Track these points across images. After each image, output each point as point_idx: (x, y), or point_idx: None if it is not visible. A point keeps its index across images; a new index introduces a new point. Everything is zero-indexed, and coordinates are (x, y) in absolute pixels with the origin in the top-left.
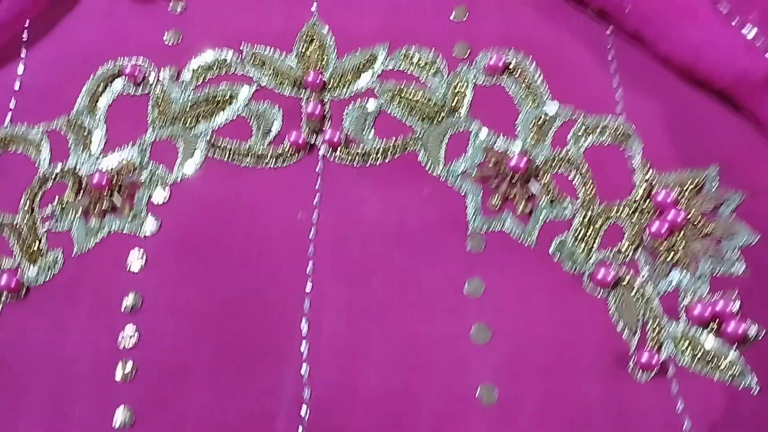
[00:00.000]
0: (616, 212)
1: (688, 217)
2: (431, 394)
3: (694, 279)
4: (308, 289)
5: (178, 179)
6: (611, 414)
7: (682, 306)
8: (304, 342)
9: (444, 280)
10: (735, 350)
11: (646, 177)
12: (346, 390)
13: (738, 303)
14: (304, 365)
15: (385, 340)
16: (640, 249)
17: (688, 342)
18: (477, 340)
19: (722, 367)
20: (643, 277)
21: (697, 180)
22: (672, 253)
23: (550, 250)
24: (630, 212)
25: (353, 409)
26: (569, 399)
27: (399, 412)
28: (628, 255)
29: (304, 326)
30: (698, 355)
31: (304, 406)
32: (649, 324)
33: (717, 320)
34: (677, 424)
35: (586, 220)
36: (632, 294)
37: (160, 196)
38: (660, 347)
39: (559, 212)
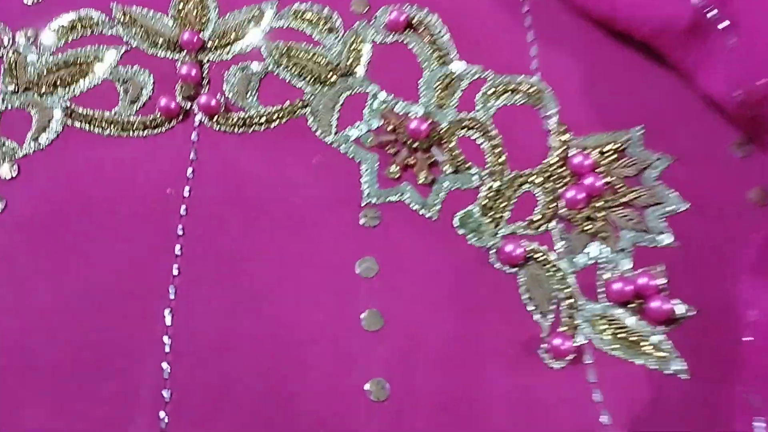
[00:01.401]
0: (529, 180)
1: (609, 182)
2: (313, 392)
3: (614, 252)
4: (175, 272)
5: (30, 152)
6: (519, 407)
7: (601, 283)
8: (166, 336)
9: (332, 261)
10: (660, 332)
11: (563, 140)
12: (214, 391)
13: (664, 279)
14: (165, 363)
15: (262, 332)
16: (554, 220)
17: (607, 323)
18: (368, 327)
19: (646, 350)
20: (557, 251)
21: (618, 142)
22: (590, 223)
23: (454, 224)
24: (544, 179)
25: (222, 413)
26: (471, 392)
27: (276, 413)
28: (540, 227)
29: (167, 317)
30: (619, 338)
31: (163, 412)
32: (564, 304)
33: (640, 298)
34: (593, 417)
35: (495, 189)
36: (545, 270)
37: (5, 172)
38: (575, 330)
39: (464, 181)
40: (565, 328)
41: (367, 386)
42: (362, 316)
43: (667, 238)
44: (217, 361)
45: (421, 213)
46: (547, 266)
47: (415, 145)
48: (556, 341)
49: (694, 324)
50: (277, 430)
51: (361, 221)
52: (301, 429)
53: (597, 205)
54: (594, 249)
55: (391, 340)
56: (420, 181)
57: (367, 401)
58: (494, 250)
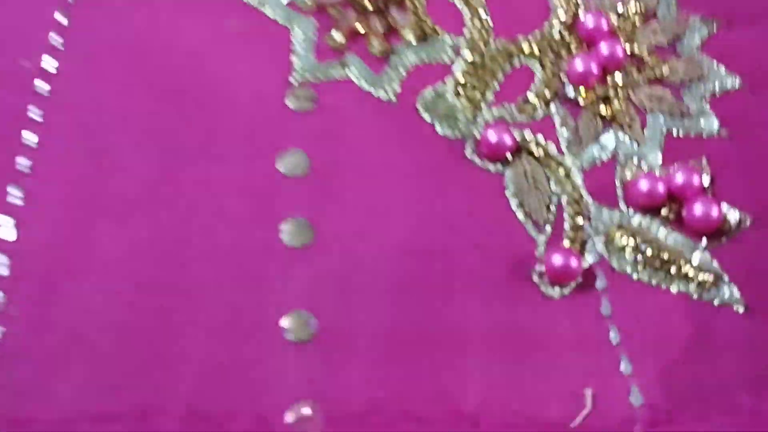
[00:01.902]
0: (521, 50)
1: (632, 53)
2: (210, 328)
3: (637, 144)
4: (24, 169)
5: None
6: (502, 350)
7: (619, 184)
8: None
9: (247, 153)
10: (704, 249)
11: None
12: (51, 327)
13: (708, 177)
14: None
15: (121, 251)
16: (555, 101)
17: (628, 236)
18: (289, 241)
19: (684, 273)
20: (561, 143)
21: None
22: (605, 106)
23: (418, 107)
24: (542, 49)
25: (59, 355)
26: (432, 329)
27: (135, 355)
28: (537, 111)
29: (7, 230)
30: (646, 257)
31: None
32: (568, 211)
33: (675, 203)
34: (608, 364)
35: (474, 63)
36: (542, 167)
37: None
38: (583, 246)
39: (432, 53)
40: (568, 244)
41: (284, 322)
42: (282, 226)
43: (711, 124)
44: (59, 287)
45: (373, 94)
46: (546, 162)
47: (366, 5)
48: (556, 260)
49: (749, 238)
50: (161, 378)
51: (291, 105)
52: (182, 384)
53: (615, 81)
54: (610, 139)
55: (321, 261)
56: (372, 52)
57: (283, 342)
58: (472, 141)
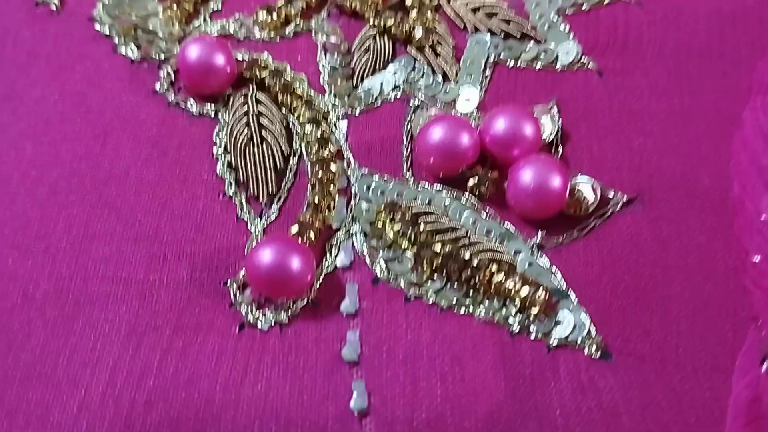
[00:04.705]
0: None
1: None
2: None
3: (443, 78)
4: None
5: None
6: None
7: (406, 141)
8: None
9: None
10: (538, 246)
11: None
12: None
13: (553, 127)
14: None
15: None
16: (320, 13)
17: (406, 226)
18: None
19: (500, 288)
20: (322, 74)
21: None
22: (398, 20)
23: (95, 15)
24: None
25: None
26: None
27: None
28: (288, 26)
29: None
30: (433, 261)
31: None
32: (311, 180)
33: (493, 170)
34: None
35: None
36: (278, 110)
37: None
38: (327, 239)
39: None
40: (296, 232)
41: None
42: None
43: (568, 50)
44: None
45: None
46: (287, 101)
47: None
48: (264, 258)
49: (618, 228)
50: None
51: None
52: None
53: None
54: (401, 69)
55: None
56: None
57: None
58: (172, 68)
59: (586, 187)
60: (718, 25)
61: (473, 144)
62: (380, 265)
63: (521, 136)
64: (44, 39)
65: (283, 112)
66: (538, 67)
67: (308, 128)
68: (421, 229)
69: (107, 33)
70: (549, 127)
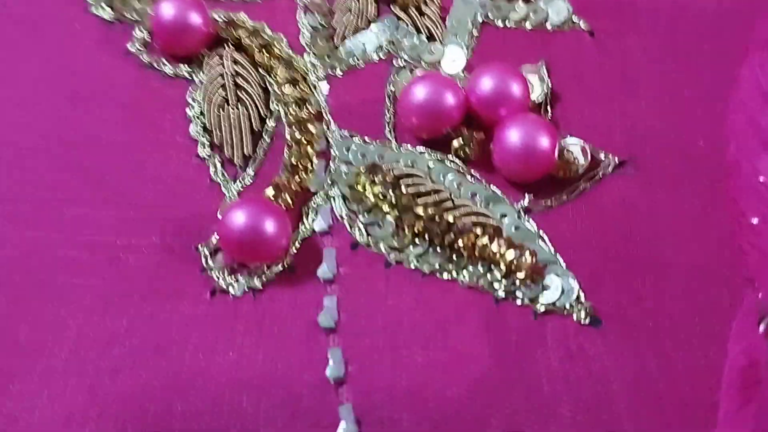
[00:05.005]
0: None
1: None
2: None
3: (428, 38)
4: None
5: None
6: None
7: (390, 102)
8: None
9: None
10: (525, 210)
11: None
12: None
13: (542, 87)
14: None
15: None
16: None
17: (387, 189)
18: None
19: (485, 253)
20: (302, 33)
21: None
22: None
23: None
24: None
25: None
26: None
27: None
28: None
29: None
30: (415, 224)
31: None
32: (287, 140)
33: (478, 131)
34: None
35: None
36: (255, 70)
37: None
38: (304, 203)
39: None
40: (272, 194)
41: None
42: None
43: (558, 9)
44: None
45: None
46: (264, 61)
47: None
48: (238, 221)
49: (610, 191)
50: None
51: None
52: None
53: None
54: (384, 29)
55: None
56: None
57: None
58: (145, 26)
59: (575, 148)
60: None
61: (458, 104)
62: (360, 229)
63: (508, 95)
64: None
65: (261, 72)
66: (528, 27)
67: (287, 89)
68: (403, 192)
69: None
70: (538, 88)
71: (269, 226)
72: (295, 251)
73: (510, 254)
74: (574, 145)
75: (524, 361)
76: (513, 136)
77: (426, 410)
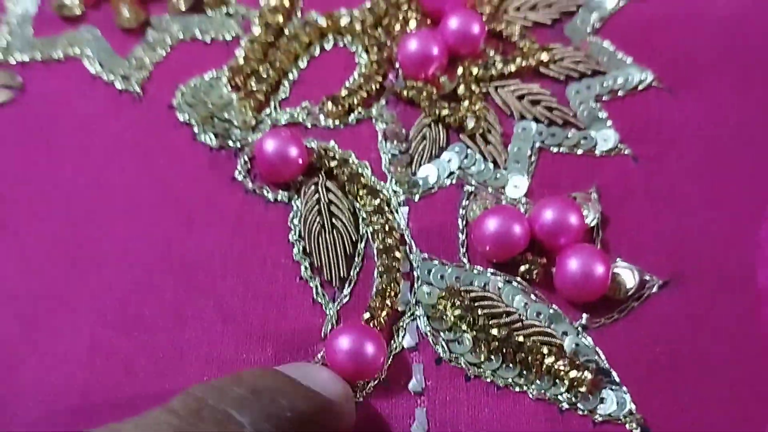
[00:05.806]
0: (336, 26)
1: (496, 32)
2: None
3: (494, 165)
4: None
5: None
6: None
7: (462, 225)
8: None
9: None
10: (583, 327)
11: None
12: None
13: (595, 216)
14: None
15: None
16: (380, 100)
17: (465, 310)
18: None
19: (550, 368)
20: (383, 161)
21: None
22: (451, 108)
23: (174, 104)
24: (368, 24)
25: None
26: None
27: None
28: (351, 114)
29: None
30: (491, 342)
31: None
32: (378, 267)
33: (541, 256)
34: None
35: (263, 42)
36: (346, 198)
37: None
38: (395, 322)
39: (208, 26)
40: (369, 318)
41: None
42: None
43: (607, 137)
44: None
45: (104, 80)
46: (353, 189)
47: None
48: (343, 345)
49: (654, 311)
50: None
51: None
52: None
53: (469, 71)
54: (455, 157)
55: None
56: (120, 23)
57: None
58: (247, 155)
59: (626, 272)
60: (745, 110)
61: (524, 233)
62: (442, 346)
63: (567, 226)
64: (128, 127)
65: (350, 198)
66: (578, 152)
67: (374, 217)
68: (479, 314)
69: (187, 121)
70: (591, 214)
71: (369, 349)
72: (388, 366)
73: (573, 373)
74: (625, 269)
75: None
76: (572, 264)
77: None
